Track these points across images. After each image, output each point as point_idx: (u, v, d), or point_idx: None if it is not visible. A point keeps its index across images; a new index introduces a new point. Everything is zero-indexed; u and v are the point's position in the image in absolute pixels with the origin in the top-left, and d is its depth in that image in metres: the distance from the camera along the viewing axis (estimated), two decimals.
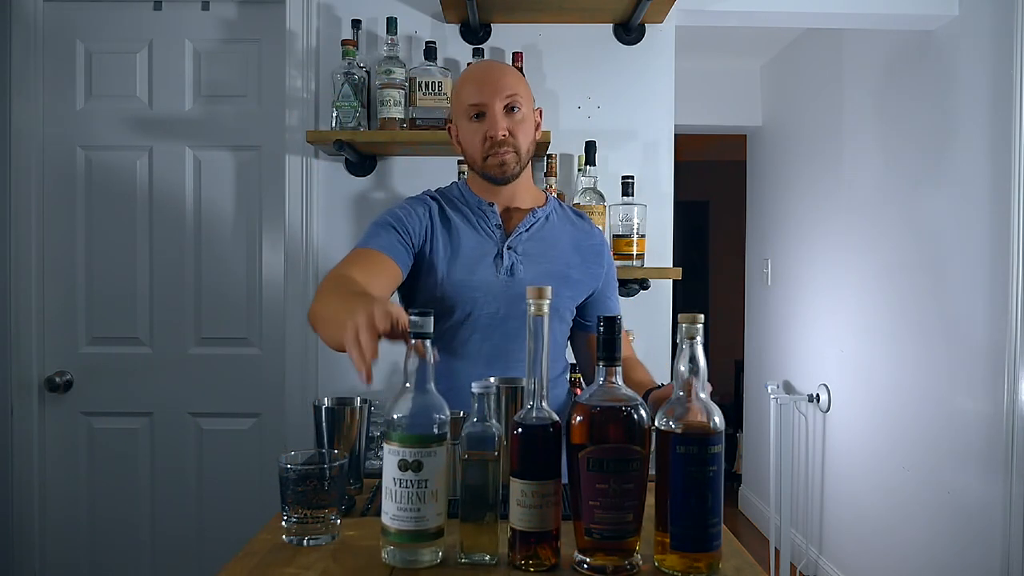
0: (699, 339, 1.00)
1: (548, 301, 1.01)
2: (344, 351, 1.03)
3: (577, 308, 1.60)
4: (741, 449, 4.76)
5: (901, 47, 2.78)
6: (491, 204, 1.54)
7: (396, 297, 1.54)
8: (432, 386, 1.02)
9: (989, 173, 2.30)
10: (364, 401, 1.29)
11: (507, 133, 1.46)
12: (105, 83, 2.33)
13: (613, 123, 2.32)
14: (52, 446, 2.33)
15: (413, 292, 1.53)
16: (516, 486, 0.98)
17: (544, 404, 1.00)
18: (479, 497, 1.00)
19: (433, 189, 1.62)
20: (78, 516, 2.34)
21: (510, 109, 1.47)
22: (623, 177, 2.17)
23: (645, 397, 1.24)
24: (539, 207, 1.57)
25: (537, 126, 1.55)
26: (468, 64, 2.22)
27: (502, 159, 1.47)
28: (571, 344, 1.67)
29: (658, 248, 2.31)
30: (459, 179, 2.19)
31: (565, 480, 1.03)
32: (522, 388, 1.23)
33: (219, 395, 2.33)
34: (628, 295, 2.32)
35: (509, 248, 1.51)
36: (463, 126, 1.51)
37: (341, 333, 1.04)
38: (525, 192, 1.57)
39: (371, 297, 1.21)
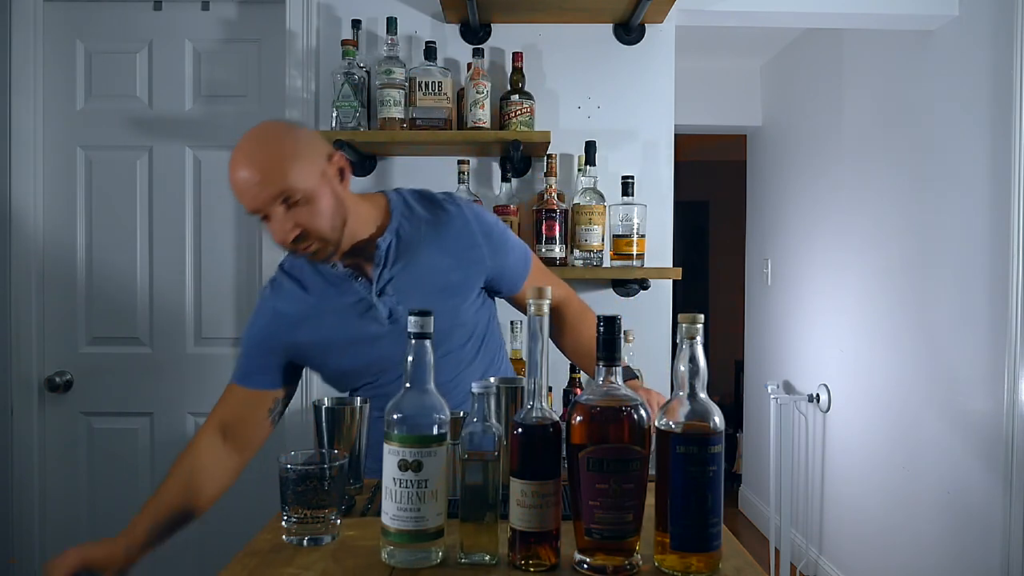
0: (699, 339, 1.00)
1: (548, 301, 1.01)
2: None
3: (489, 290, 1.48)
4: (741, 449, 4.76)
5: (901, 47, 2.78)
6: (334, 265, 1.38)
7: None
8: (432, 386, 1.02)
9: (989, 173, 2.30)
10: (364, 401, 1.29)
11: (299, 230, 1.27)
12: (105, 83, 2.33)
13: (613, 123, 2.32)
14: (52, 446, 2.33)
15: (324, 376, 1.49)
16: (516, 486, 0.97)
17: (544, 404, 1.00)
18: (479, 497, 1.00)
19: (282, 264, 1.47)
20: (78, 516, 2.34)
21: (288, 201, 1.25)
22: (623, 177, 2.17)
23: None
24: (381, 232, 1.38)
25: (342, 173, 1.33)
26: (468, 64, 2.22)
27: (309, 253, 1.31)
28: (523, 311, 1.54)
29: (658, 248, 2.31)
30: (459, 180, 2.19)
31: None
32: (522, 388, 1.23)
33: (219, 395, 2.32)
34: (628, 295, 2.32)
35: (380, 295, 1.38)
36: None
37: None
38: (361, 227, 1.37)
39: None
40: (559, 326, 1.54)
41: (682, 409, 0.99)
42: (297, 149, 1.27)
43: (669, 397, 1.03)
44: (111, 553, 1.25)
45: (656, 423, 1.00)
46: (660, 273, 2.22)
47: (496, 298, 1.54)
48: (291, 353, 1.44)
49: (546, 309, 1.01)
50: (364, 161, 2.30)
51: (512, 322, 2.11)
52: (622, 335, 1.00)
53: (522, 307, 1.53)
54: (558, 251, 2.18)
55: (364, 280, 1.39)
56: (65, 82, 2.32)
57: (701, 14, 2.39)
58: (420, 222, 1.42)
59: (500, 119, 2.18)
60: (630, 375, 1.44)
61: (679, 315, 1.01)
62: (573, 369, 2.05)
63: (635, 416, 0.97)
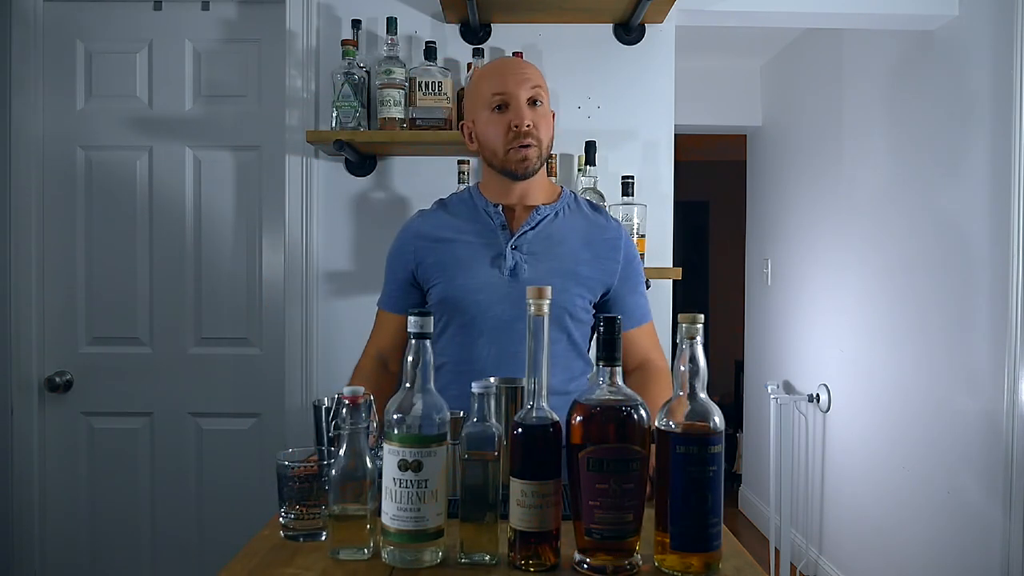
0: (699, 339, 1.00)
1: (548, 301, 1.01)
2: None
3: (597, 306, 1.55)
4: (741, 449, 4.76)
5: (901, 47, 2.78)
6: (496, 205, 1.53)
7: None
8: (432, 386, 1.02)
9: (989, 173, 2.30)
10: (365, 399, 1.29)
11: (531, 124, 1.45)
12: (105, 83, 2.33)
13: (613, 123, 2.32)
14: (52, 446, 2.33)
15: (428, 300, 1.56)
16: (516, 486, 0.98)
17: (544, 404, 1.00)
18: (479, 497, 1.00)
19: (441, 199, 1.63)
20: (78, 516, 2.34)
21: (533, 102, 1.46)
22: (623, 177, 2.17)
23: None
24: (547, 204, 1.54)
25: (552, 128, 1.53)
26: (468, 64, 2.22)
27: (524, 153, 1.46)
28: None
29: (658, 248, 2.31)
30: (458, 180, 2.19)
31: (565, 480, 1.03)
32: (522, 388, 1.23)
33: (219, 395, 2.33)
34: None
35: (514, 248, 1.49)
36: (484, 118, 1.49)
37: None
38: (539, 190, 1.55)
39: None
40: (640, 382, 1.52)
41: (682, 409, 0.99)
42: (544, 81, 1.52)
43: (667, 399, 1.03)
44: None
45: (656, 423, 1.00)
46: (660, 273, 2.22)
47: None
48: (420, 269, 1.54)
49: (545, 309, 1.01)
50: (364, 161, 2.30)
51: None
52: (622, 335, 1.00)
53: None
54: None
55: (507, 232, 1.51)
56: (65, 82, 2.32)
57: (701, 14, 2.39)
58: (580, 216, 1.57)
59: None
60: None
61: (679, 315, 1.01)
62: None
63: (635, 416, 0.97)
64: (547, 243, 1.50)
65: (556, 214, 1.54)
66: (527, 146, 1.45)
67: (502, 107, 1.46)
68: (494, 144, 1.47)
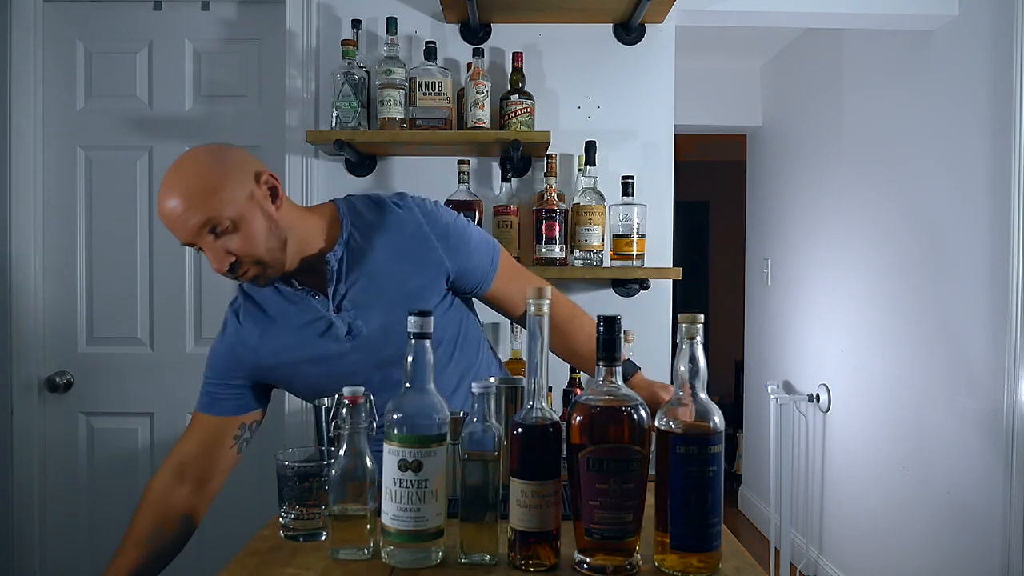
0: (699, 339, 1.00)
1: (547, 301, 1.01)
2: None
3: (454, 291, 1.42)
4: (741, 449, 4.76)
5: (901, 47, 2.78)
6: (288, 284, 1.35)
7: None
8: (432, 386, 1.02)
9: (989, 173, 2.30)
10: (366, 399, 1.29)
11: (232, 257, 1.24)
12: (105, 83, 2.33)
13: (613, 123, 2.32)
14: (52, 446, 2.33)
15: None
16: (516, 486, 0.97)
17: (544, 404, 1.00)
18: (479, 497, 1.00)
19: (241, 287, 1.44)
20: (78, 516, 2.34)
21: (218, 232, 1.22)
22: (623, 177, 2.17)
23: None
24: (331, 246, 1.34)
25: (274, 192, 1.29)
26: (468, 64, 2.22)
27: (250, 279, 1.29)
28: (497, 311, 1.50)
29: (658, 248, 2.31)
30: (459, 180, 2.19)
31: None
32: (522, 388, 1.23)
33: None
34: (628, 295, 2.32)
35: (338, 311, 1.34)
36: None
37: None
38: (308, 243, 1.33)
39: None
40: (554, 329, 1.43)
41: (682, 409, 0.99)
42: (221, 174, 1.24)
43: (668, 399, 1.03)
44: None
45: (656, 423, 1.00)
46: (660, 273, 2.22)
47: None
48: (256, 375, 1.41)
49: (546, 309, 1.01)
50: (364, 161, 2.30)
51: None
52: (622, 335, 1.00)
53: (496, 307, 1.49)
54: (558, 251, 2.18)
55: (321, 297, 1.35)
56: (65, 82, 2.32)
57: (701, 14, 2.39)
58: (371, 230, 1.36)
59: (500, 119, 2.18)
60: (632, 368, 1.44)
61: (679, 315, 1.01)
62: (573, 369, 2.05)
63: (635, 416, 0.97)
64: (364, 285, 1.34)
65: (347, 248, 1.34)
66: (245, 274, 1.27)
67: (198, 249, 1.25)
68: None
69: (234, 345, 1.40)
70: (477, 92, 2.15)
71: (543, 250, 2.17)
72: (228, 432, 1.42)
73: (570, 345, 1.48)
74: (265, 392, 1.46)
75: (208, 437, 1.41)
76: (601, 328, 0.99)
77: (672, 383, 1.04)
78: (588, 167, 2.21)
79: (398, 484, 0.98)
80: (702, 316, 1.00)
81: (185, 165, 1.25)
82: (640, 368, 1.47)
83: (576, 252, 2.20)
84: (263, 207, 1.27)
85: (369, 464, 1.03)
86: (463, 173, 2.19)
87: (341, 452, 1.03)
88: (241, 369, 1.40)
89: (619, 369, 0.99)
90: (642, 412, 0.98)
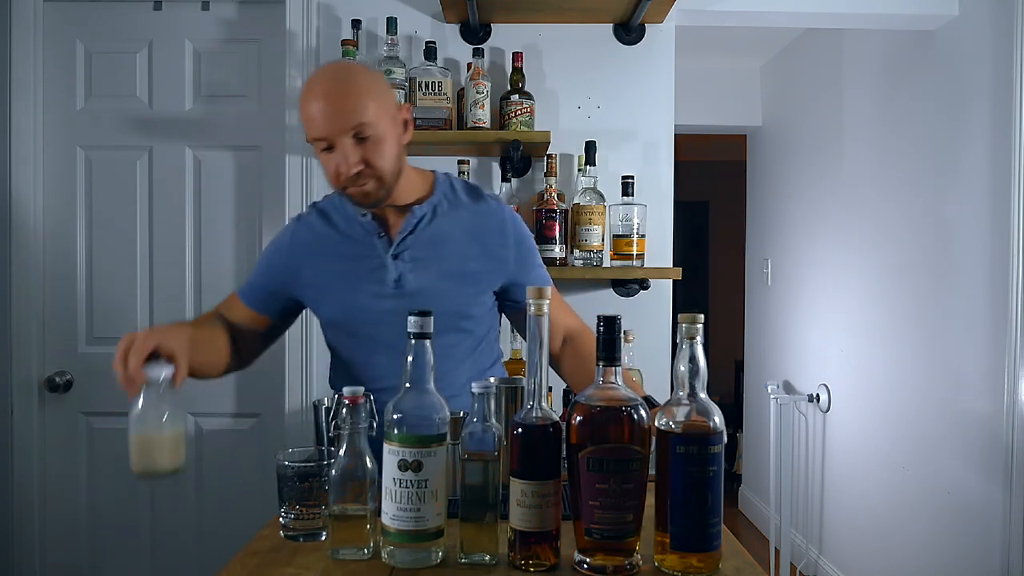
0: (699, 339, 1.00)
1: (547, 301, 1.01)
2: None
3: (499, 292, 1.47)
4: (741, 449, 4.76)
5: (901, 47, 2.78)
6: (365, 214, 1.41)
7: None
8: (432, 386, 1.02)
9: (989, 173, 2.30)
10: (366, 399, 1.29)
11: (362, 165, 1.30)
12: (105, 83, 2.33)
13: (613, 123, 2.32)
14: (52, 446, 2.33)
15: (315, 315, 1.51)
16: (516, 486, 0.98)
17: (544, 404, 1.00)
18: (479, 497, 1.00)
19: (316, 202, 1.51)
20: (78, 516, 2.34)
21: (361, 138, 1.29)
22: (623, 177, 2.17)
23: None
24: (420, 203, 1.42)
25: (406, 124, 1.38)
26: (468, 64, 2.22)
27: (362, 190, 1.33)
28: (515, 326, 1.56)
29: (658, 248, 2.31)
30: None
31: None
32: (522, 388, 1.23)
33: (219, 395, 2.33)
34: (628, 295, 2.32)
35: (395, 257, 1.39)
36: (315, 151, 1.34)
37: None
38: (407, 190, 1.41)
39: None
40: (571, 359, 1.48)
41: (682, 409, 0.99)
42: (380, 89, 1.33)
43: (668, 399, 1.03)
44: (182, 342, 1.22)
45: (656, 423, 1.00)
46: (660, 273, 2.22)
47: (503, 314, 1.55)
48: (293, 286, 1.46)
49: (546, 309, 1.01)
50: None
51: None
52: (622, 335, 1.00)
53: (522, 325, 1.51)
54: (558, 251, 2.18)
55: (385, 240, 1.41)
56: (65, 82, 2.32)
57: (701, 14, 2.39)
58: (459, 205, 1.45)
59: (500, 119, 2.18)
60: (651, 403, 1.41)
61: (679, 315, 1.01)
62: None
63: (635, 416, 0.97)
64: (430, 246, 1.40)
65: (434, 210, 1.42)
66: (362, 184, 1.32)
67: (328, 148, 1.30)
68: (328, 180, 1.35)
69: (287, 246, 1.47)
70: (477, 92, 2.15)
71: (543, 250, 2.17)
72: (257, 324, 1.49)
73: (587, 361, 1.45)
74: (295, 309, 1.52)
75: (241, 318, 1.48)
76: (601, 328, 0.99)
77: (672, 383, 1.04)
78: (588, 167, 2.21)
79: (398, 484, 0.98)
80: (702, 316, 1.00)
81: (343, 71, 1.34)
82: (659, 404, 1.46)
83: (576, 252, 2.20)
84: (398, 133, 1.36)
85: (369, 464, 1.03)
86: (463, 173, 2.20)
87: (341, 452, 1.03)
88: (284, 272, 1.46)
89: (619, 369, 0.99)
90: (642, 412, 0.98)
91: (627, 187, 2.16)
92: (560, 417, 1.02)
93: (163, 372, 1.21)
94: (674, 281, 2.29)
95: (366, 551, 1.03)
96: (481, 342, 1.48)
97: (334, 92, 1.28)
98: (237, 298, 1.50)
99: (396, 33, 2.18)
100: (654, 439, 1.00)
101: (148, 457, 1.25)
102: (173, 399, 1.22)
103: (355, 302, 1.41)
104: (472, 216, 1.44)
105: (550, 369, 1.45)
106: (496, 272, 1.44)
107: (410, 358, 1.02)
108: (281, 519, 1.11)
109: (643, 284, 2.29)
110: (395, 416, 1.00)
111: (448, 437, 1.02)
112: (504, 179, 2.26)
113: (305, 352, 2.26)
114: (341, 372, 1.50)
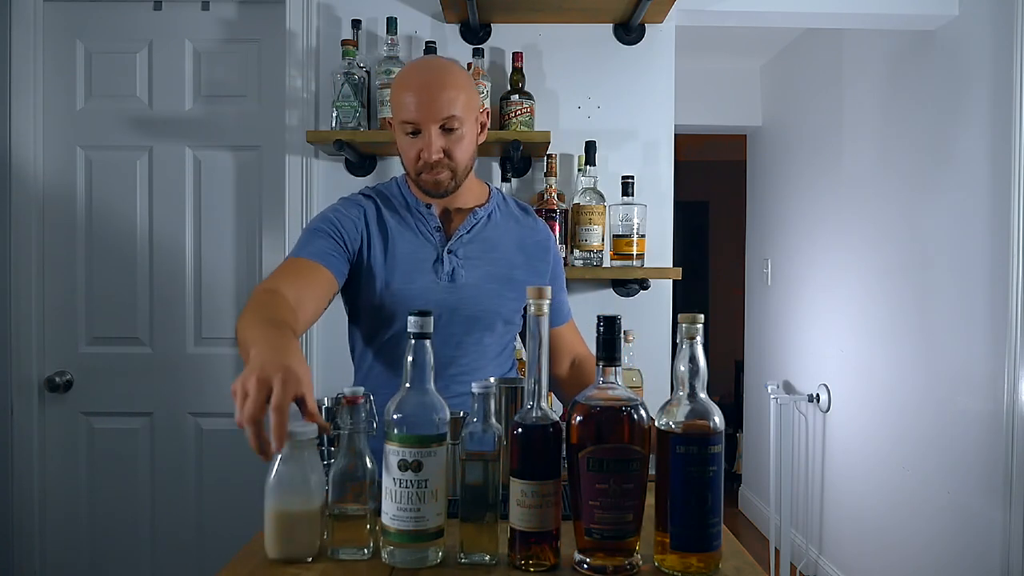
0: (699, 339, 1.00)
1: (548, 301, 1.01)
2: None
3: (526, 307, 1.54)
4: (741, 449, 4.76)
5: (901, 47, 2.78)
6: (428, 206, 1.48)
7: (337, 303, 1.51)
8: (431, 386, 1.02)
9: (989, 173, 2.30)
10: (366, 399, 1.29)
11: (442, 154, 1.39)
12: (105, 83, 2.33)
13: (613, 123, 2.32)
14: (52, 446, 2.33)
15: (356, 299, 1.49)
16: (516, 486, 0.97)
17: (544, 404, 1.00)
18: (479, 497, 1.00)
19: (371, 187, 1.56)
20: (78, 516, 2.34)
21: (447, 129, 1.38)
22: (623, 177, 2.17)
23: None
24: (480, 206, 1.52)
25: (483, 126, 1.48)
26: (469, 64, 2.22)
27: (436, 179, 1.41)
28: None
29: (658, 248, 2.31)
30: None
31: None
32: (522, 388, 1.23)
33: (219, 395, 2.33)
34: (628, 295, 2.32)
35: (450, 252, 1.46)
36: (398, 134, 1.43)
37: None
38: (468, 192, 1.50)
39: (285, 342, 1.08)
40: (575, 384, 1.55)
41: (682, 409, 0.99)
42: (468, 87, 1.42)
43: (667, 399, 1.03)
44: (310, 378, 1.03)
45: (656, 423, 1.00)
46: (660, 273, 2.22)
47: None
48: (364, 251, 1.45)
49: (545, 309, 1.01)
50: (364, 161, 2.30)
51: None
52: (622, 335, 1.00)
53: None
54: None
55: (442, 234, 1.48)
56: (65, 82, 2.32)
57: (701, 14, 2.39)
58: (510, 217, 1.56)
59: (500, 119, 2.18)
60: None
61: (679, 315, 1.01)
62: None
63: (635, 416, 0.97)
64: (483, 247, 1.49)
65: (489, 216, 1.52)
66: (438, 172, 1.40)
67: (414, 133, 1.39)
68: (407, 164, 1.44)
69: (354, 214, 1.47)
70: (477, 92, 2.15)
71: None
72: (319, 280, 1.38)
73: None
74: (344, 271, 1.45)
75: (299, 278, 1.36)
76: (601, 328, 0.99)
77: (672, 383, 1.04)
78: (588, 167, 2.21)
79: (398, 484, 0.98)
80: (702, 316, 1.00)
81: (442, 64, 1.44)
82: (640, 375, 1.53)
83: (576, 252, 2.20)
84: (476, 132, 1.46)
85: (369, 464, 1.03)
86: None
87: (341, 452, 1.03)
88: (353, 232, 1.45)
89: (619, 369, 0.99)
90: (642, 412, 0.98)
91: (627, 187, 2.16)
92: (560, 417, 1.02)
93: (309, 428, 0.99)
94: (674, 281, 2.29)
95: (366, 551, 1.03)
96: (507, 347, 1.56)
97: (434, 82, 1.37)
98: (296, 259, 1.39)
99: (396, 33, 2.18)
100: (654, 439, 1.00)
101: (290, 536, 1.00)
102: (316, 460, 1.02)
103: (413, 285, 1.44)
104: (521, 228, 1.55)
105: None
106: (535, 283, 1.45)
107: (410, 358, 1.02)
108: None
109: (643, 284, 2.29)
110: (395, 416, 1.00)
111: (448, 437, 1.02)
112: (504, 179, 2.26)
113: (305, 352, 2.26)
114: (375, 372, 1.49)
